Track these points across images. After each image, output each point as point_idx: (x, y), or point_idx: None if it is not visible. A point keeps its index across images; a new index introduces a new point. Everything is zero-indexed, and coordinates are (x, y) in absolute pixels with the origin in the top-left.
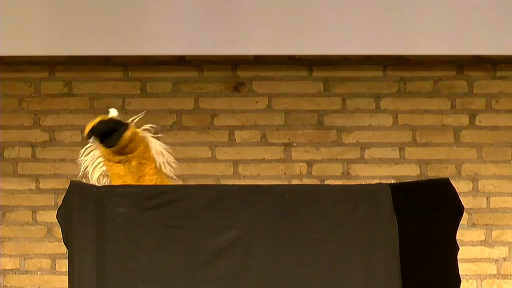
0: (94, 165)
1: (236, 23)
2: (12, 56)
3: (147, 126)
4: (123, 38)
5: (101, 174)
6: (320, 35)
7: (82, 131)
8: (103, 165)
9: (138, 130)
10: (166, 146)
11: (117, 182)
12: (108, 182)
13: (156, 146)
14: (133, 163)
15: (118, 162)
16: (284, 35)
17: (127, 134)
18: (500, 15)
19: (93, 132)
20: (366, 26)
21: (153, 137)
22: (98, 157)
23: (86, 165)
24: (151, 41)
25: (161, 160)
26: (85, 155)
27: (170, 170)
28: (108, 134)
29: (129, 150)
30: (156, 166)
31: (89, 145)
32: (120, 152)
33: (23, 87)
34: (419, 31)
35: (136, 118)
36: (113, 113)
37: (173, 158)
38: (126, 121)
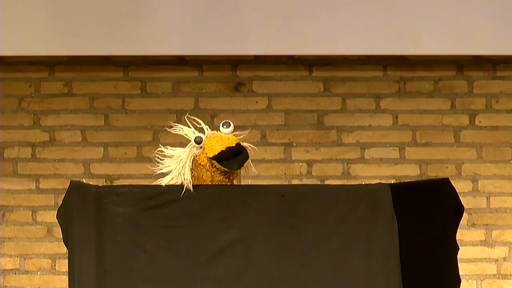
0: (187, 163)
1: (236, 23)
2: (12, 56)
3: (247, 144)
4: (123, 38)
5: (189, 172)
6: (320, 35)
7: (82, 131)
8: (192, 165)
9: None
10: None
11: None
12: (191, 180)
13: (249, 167)
14: (221, 176)
15: (208, 170)
16: (284, 35)
17: (247, 163)
18: (500, 15)
19: (219, 157)
20: (366, 26)
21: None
22: (192, 157)
23: (181, 162)
24: (151, 41)
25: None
26: (184, 153)
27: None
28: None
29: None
30: (235, 181)
31: (191, 145)
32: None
33: (23, 87)
34: (419, 31)
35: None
36: (232, 127)
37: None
38: (245, 147)
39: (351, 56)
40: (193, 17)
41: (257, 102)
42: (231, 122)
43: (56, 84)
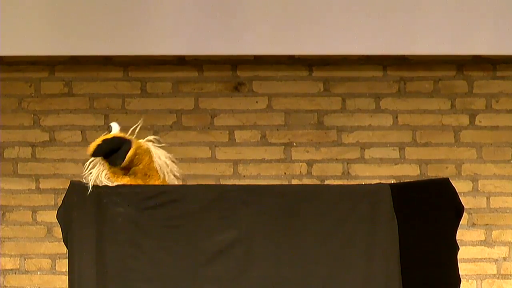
0: (101, 178)
1: (236, 23)
2: (12, 56)
3: (150, 137)
4: (123, 38)
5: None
6: (320, 35)
7: (82, 131)
8: (109, 177)
9: (142, 143)
10: (170, 156)
11: None
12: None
13: (160, 157)
14: (139, 175)
15: (124, 174)
16: (284, 35)
17: (131, 153)
18: (500, 15)
19: (97, 152)
20: (366, 26)
21: (157, 146)
22: (103, 170)
23: (93, 178)
24: (151, 41)
25: (165, 170)
26: (91, 169)
27: (174, 179)
28: (112, 152)
29: (133, 164)
30: (159, 177)
31: (92, 159)
32: (125, 168)
33: (23, 87)
34: (419, 31)
35: (136, 128)
36: (115, 128)
37: (176, 167)
38: (128, 138)
39: (351, 56)
40: (193, 17)
41: (257, 102)
42: (113, 125)
43: (56, 84)
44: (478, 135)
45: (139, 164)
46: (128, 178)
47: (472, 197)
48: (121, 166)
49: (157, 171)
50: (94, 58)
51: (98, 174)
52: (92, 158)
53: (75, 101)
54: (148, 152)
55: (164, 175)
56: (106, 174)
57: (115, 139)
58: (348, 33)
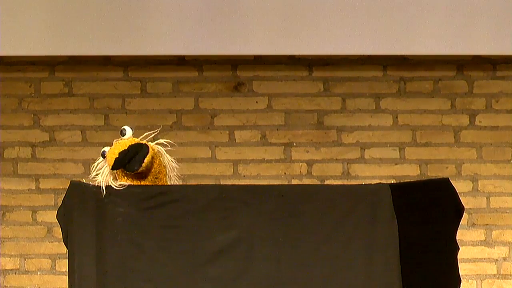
0: (108, 180)
1: (236, 23)
2: (12, 56)
3: (161, 140)
4: (123, 38)
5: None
6: (320, 35)
7: (82, 131)
8: (116, 179)
9: (154, 146)
10: (174, 160)
11: None
12: None
13: (170, 162)
14: (149, 178)
15: (134, 178)
16: (284, 35)
17: (148, 158)
18: (500, 15)
19: (117, 165)
20: (366, 26)
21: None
22: (111, 173)
23: (102, 180)
24: (151, 41)
25: (172, 174)
26: (97, 170)
27: (177, 181)
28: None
29: (146, 168)
30: (166, 180)
31: (100, 160)
32: (137, 172)
33: (23, 87)
34: (419, 31)
35: (152, 135)
36: (128, 132)
37: (178, 173)
38: (144, 143)
39: (351, 56)
40: (193, 17)
41: (257, 102)
42: (127, 128)
43: (56, 84)
44: (478, 135)
45: (151, 168)
46: (137, 182)
47: (472, 197)
48: (138, 171)
49: (165, 174)
50: (94, 58)
51: (105, 177)
52: (100, 160)
53: (75, 101)
54: (159, 155)
55: (171, 178)
56: (113, 178)
57: (131, 148)
58: (348, 33)
